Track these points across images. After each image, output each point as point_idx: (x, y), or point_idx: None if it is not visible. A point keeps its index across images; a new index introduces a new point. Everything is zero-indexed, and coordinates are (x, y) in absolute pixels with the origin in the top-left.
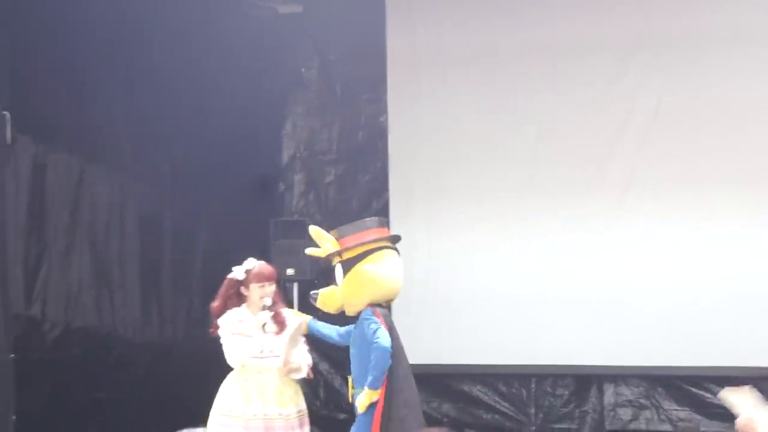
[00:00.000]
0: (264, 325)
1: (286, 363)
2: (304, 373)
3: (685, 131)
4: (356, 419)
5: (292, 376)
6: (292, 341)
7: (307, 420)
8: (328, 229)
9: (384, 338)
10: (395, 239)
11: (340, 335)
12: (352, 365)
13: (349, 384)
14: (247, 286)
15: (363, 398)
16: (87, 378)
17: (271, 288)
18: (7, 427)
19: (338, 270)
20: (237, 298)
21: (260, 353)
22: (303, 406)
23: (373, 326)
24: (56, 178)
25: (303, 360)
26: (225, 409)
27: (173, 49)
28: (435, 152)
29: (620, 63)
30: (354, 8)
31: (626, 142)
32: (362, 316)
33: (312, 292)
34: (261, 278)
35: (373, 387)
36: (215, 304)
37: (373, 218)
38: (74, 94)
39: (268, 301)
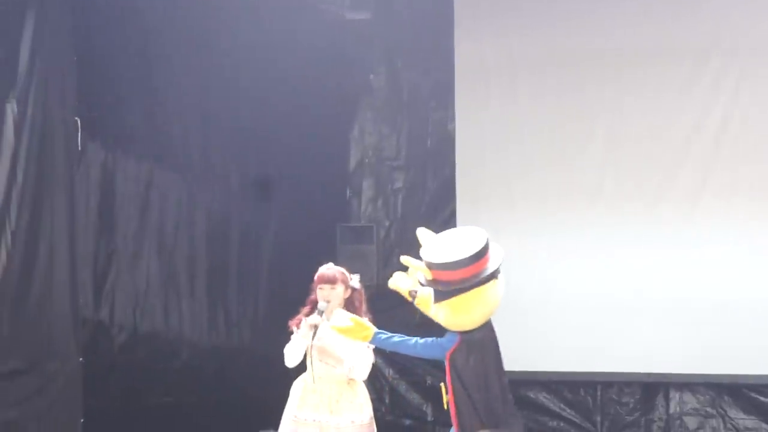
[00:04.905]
0: (314, 329)
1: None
2: (346, 368)
3: (757, 138)
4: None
5: (327, 361)
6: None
7: (368, 429)
8: (396, 236)
9: None
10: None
11: (425, 346)
12: None
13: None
14: (314, 289)
15: None
16: (154, 382)
17: (331, 291)
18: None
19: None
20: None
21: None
22: (364, 415)
23: None
24: (125, 183)
25: (348, 355)
26: (290, 413)
27: (243, 55)
28: (503, 159)
29: (692, 70)
30: (422, 15)
31: (697, 150)
32: None
33: (413, 291)
34: (318, 280)
35: None
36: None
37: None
38: (144, 100)
39: (322, 305)
